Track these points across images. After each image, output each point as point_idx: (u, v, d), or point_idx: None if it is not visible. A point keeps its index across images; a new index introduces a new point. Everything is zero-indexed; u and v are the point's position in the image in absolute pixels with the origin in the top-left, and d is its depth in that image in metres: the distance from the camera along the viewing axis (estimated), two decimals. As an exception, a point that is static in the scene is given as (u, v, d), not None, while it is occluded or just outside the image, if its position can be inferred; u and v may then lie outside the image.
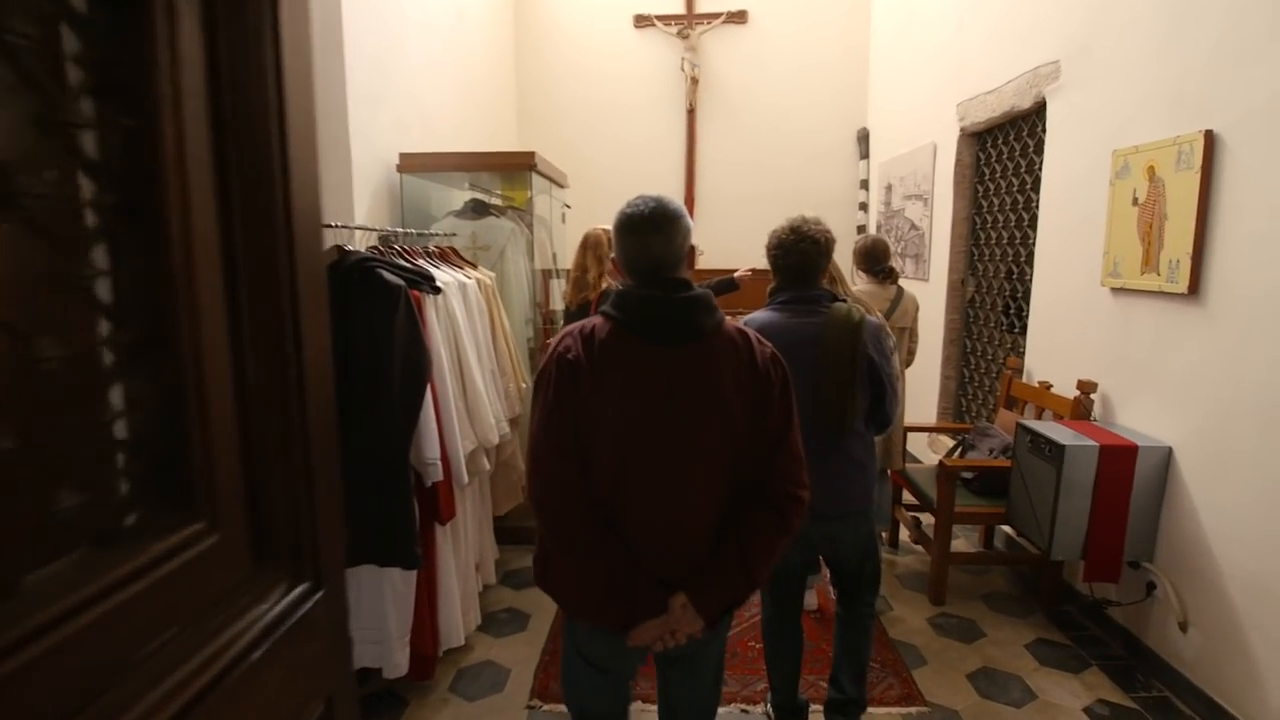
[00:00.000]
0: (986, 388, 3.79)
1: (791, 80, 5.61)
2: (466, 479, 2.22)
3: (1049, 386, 2.90)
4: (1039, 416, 2.94)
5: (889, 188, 5.03)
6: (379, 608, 2.08)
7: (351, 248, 1.98)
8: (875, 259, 3.00)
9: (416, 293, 2.08)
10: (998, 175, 3.69)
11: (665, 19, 5.61)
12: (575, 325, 1.33)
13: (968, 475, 2.84)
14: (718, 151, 5.75)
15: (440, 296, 2.22)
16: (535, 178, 3.26)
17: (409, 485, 1.98)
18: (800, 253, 1.90)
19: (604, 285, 2.65)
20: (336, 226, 1.99)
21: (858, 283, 3.20)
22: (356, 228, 2.06)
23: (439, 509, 2.14)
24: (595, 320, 1.32)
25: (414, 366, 1.94)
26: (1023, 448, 2.53)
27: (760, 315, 1.96)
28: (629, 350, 1.26)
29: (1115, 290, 2.56)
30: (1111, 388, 2.61)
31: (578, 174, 5.58)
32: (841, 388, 1.81)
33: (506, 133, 5.49)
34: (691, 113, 5.66)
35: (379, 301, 1.92)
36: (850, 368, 1.81)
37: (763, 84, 5.64)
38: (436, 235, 2.95)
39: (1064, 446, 2.29)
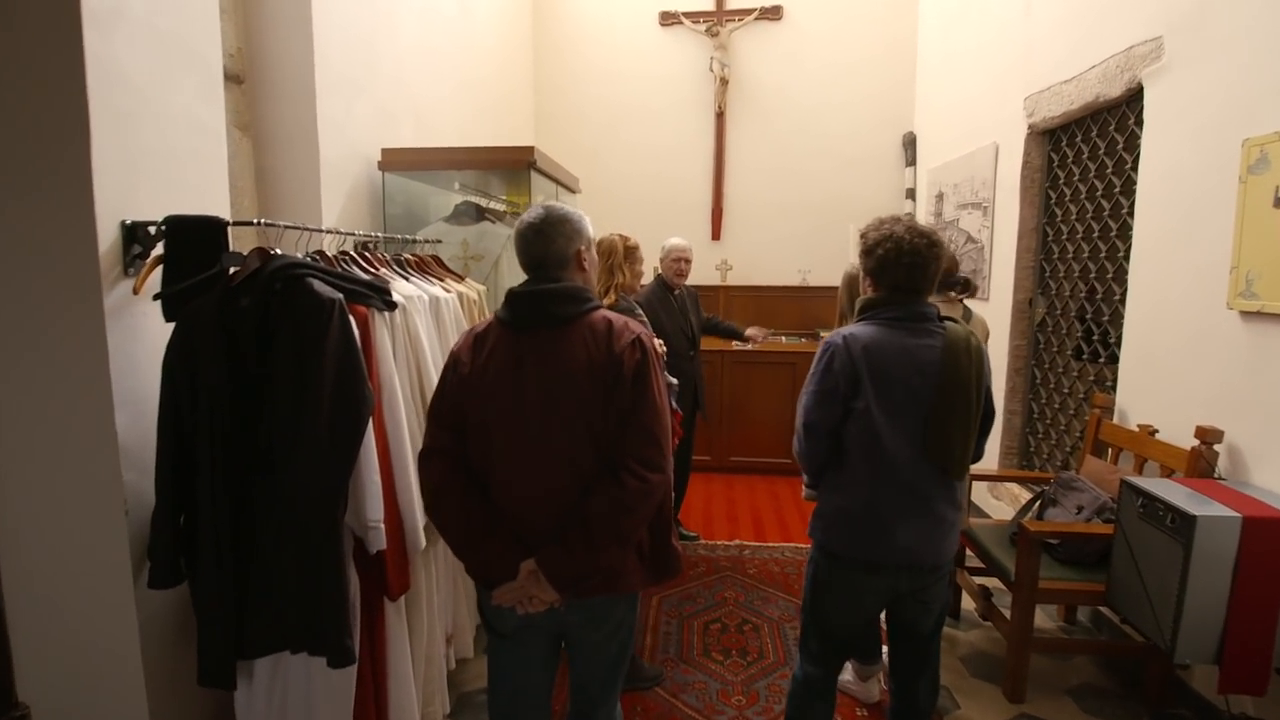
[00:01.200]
0: (1061, 426, 3.24)
1: (830, 80, 5.15)
2: (424, 542, 1.78)
3: (1152, 431, 2.36)
4: (1139, 469, 2.39)
5: (940, 196, 4.52)
6: (307, 701, 1.65)
7: (279, 251, 1.57)
8: (947, 270, 2.51)
9: (363, 308, 1.66)
10: (1075, 178, 3.17)
11: (693, 16, 5.21)
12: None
13: (1052, 540, 2.31)
14: (749, 157, 5.30)
15: (400, 314, 1.80)
16: (537, 178, 2.84)
17: (341, 555, 1.54)
18: (922, 258, 1.57)
19: (612, 299, 2.21)
20: (260, 224, 1.58)
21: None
22: (288, 226, 1.65)
23: (386, 582, 1.71)
24: (488, 318, 1.49)
25: (349, 403, 1.51)
26: (1130, 513, 2.00)
27: (863, 330, 1.60)
28: (498, 337, 1.43)
29: (1248, 314, 2.03)
30: (1242, 437, 2.06)
31: (599, 181, 5.20)
32: (967, 426, 1.56)
33: (522, 136, 5.12)
34: (720, 116, 5.23)
35: (306, 320, 1.50)
36: (978, 403, 1.57)
37: (798, 84, 5.19)
38: (421, 242, 2.55)
39: (1194, 517, 1.76)
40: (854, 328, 1.62)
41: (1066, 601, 2.45)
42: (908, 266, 1.57)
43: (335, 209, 2.51)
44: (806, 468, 1.72)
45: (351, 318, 1.57)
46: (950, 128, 4.43)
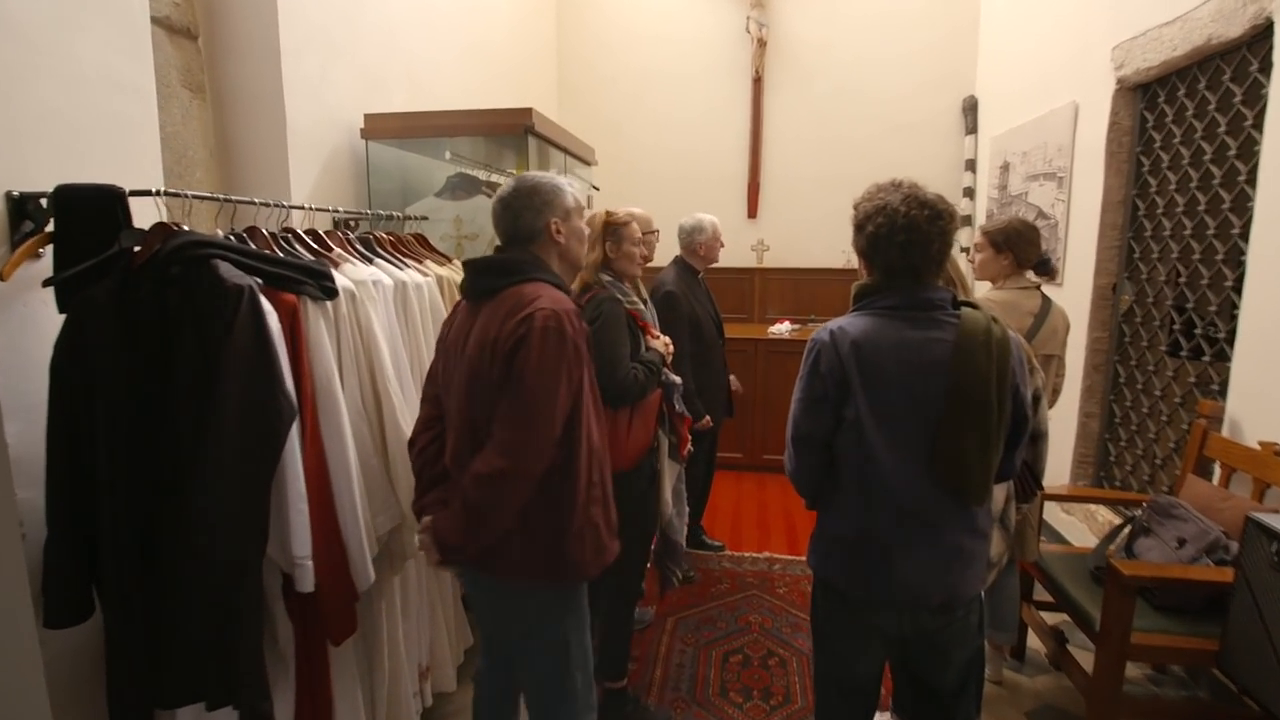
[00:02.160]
0: (1150, 434, 2.77)
1: (880, 38, 4.64)
2: (374, 576, 1.49)
3: (1278, 451, 1.91)
4: (1259, 496, 1.95)
5: (1005, 167, 4.01)
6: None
7: (186, 227, 1.28)
8: (1026, 247, 2.10)
9: (291, 297, 1.36)
10: (1174, 140, 2.67)
11: (729, -28, 4.75)
12: None
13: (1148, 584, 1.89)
14: (789, 127, 4.84)
15: (346, 303, 1.50)
16: (539, 146, 2.51)
17: (252, 601, 1.26)
18: (921, 234, 1.27)
19: (576, 284, 1.86)
20: (159, 194, 1.29)
21: (972, 283, 2.29)
22: (196, 196, 1.36)
23: (326, 626, 1.43)
24: None
25: (260, 415, 1.23)
26: (1259, 559, 1.57)
27: (855, 323, 1.33)
28: (460, 308, 1.47)
29: None
30: None
31: (626, 155, 4.85)
32: (986, 439, 1.24)
33: (544, 109, 4.78)
34: (758, 81, 4.78)
35: (208, 312, 1.21)
36: (997, 409, 1.25)
37: (845, 44, 4.69)
38: (401, 219, 2.26)
39: (1359, 577, 1.34)
40: (845, 320, 1.35)
41: (1165, 661, 2.03)
42: (902, 245, 1.28)
43: (308, 182, 2.23)
44: (800, 489, 1.44)
45: (272, 308, 1.29)
46: (1019, 87, 3.90)
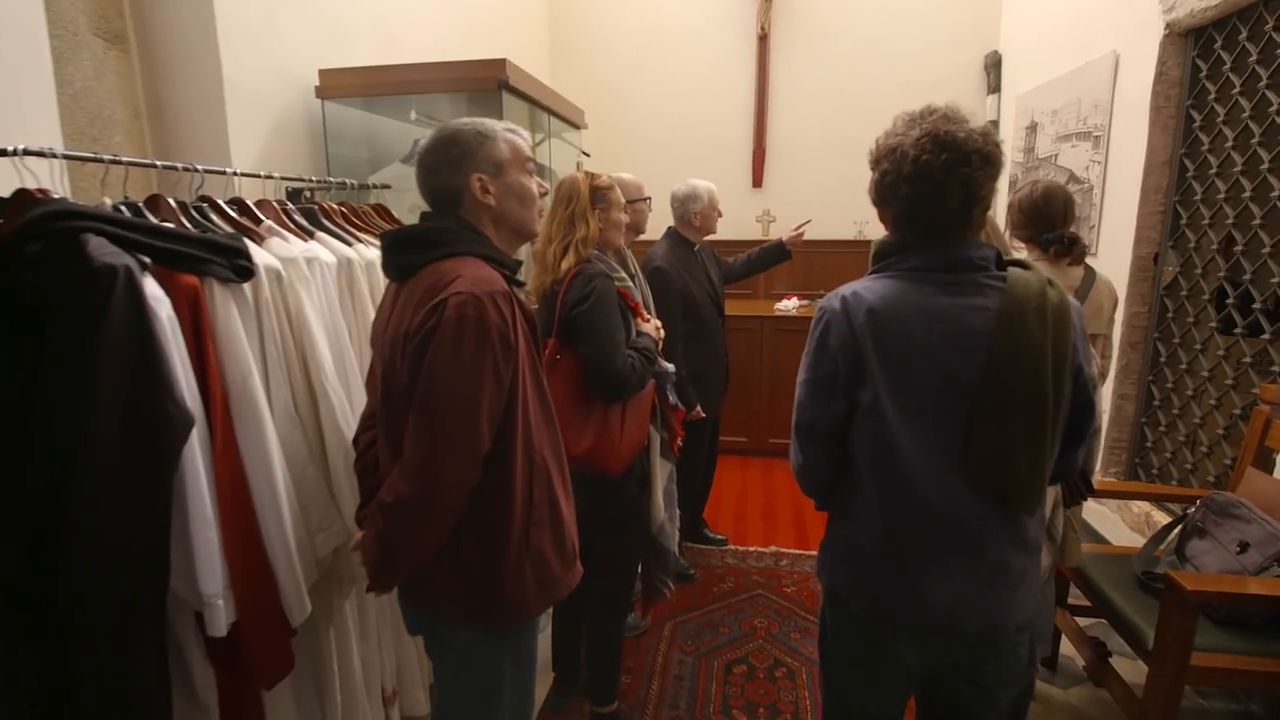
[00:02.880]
0: (1195, 418, 2.52)
1: (897, -11, 4.29)
2: (309, 608, 1.27)
3: (1363, 443, 1.66)
4: (1338, 493, 1.70)
5: (1032, 127, 3.70)
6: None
7: (57, 194, 1.04)
8: (1049, 219, 1.83)
9: (192, 278, 1.12)
10: (1233, 90, 2.37)
11: (732, -81, 4.40)
12: None
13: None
14: (797, 88, 4.52)
15: (269, 285, 1.26)
16: (514, 104, 2.24)
17: (130, 643, 1.04)
18: (934, 184, 1.02)
19: (572, 260, 1.61)
20: (19, 154, 1.04)
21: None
22: (66, 156, 1.11)
23: (254, 669, 1.21)
24: None
25: (142, 427, 0.99)
26: (1354, 578, 1.34)
27: (872, 287, 1.08)
28: (388, 289, 1.24)
29: None
30: None
31: (623, 121, 4.58)
32: (1040, 431, 1.00)
33: (535, 71, 4.48)
34: (764, 39, 4.45)
35: (75, 298, 0.97)
36: (1054, 394, 1.00)
37: (858, -3, 4.35)
38: (355, 188, 2.01)
39: None
40: (861, 283, 1.11)
41: (1230, 685, 1.80)
42: (906, 199, 1.05)
43: (253, 146, 1.97)
44: (806, 487, 1.21)
45: (162, 294, 1.05)
46: (1050, 39, 3.57)
